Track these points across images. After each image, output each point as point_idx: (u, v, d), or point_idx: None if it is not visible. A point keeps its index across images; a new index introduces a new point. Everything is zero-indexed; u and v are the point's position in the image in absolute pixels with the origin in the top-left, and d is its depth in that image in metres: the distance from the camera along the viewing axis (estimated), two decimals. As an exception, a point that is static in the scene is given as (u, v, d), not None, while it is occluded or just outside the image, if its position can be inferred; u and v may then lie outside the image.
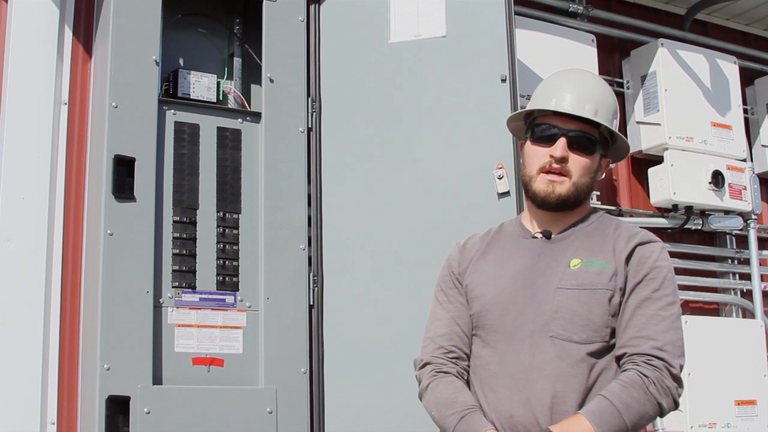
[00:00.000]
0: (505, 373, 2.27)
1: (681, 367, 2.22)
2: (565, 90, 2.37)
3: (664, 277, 2.30)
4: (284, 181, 3.64)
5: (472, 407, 2.27)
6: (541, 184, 2.34)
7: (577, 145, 2.33)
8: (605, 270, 2.28)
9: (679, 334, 2.25)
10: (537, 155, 2.36)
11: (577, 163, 2.33)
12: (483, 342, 2.35)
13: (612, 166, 4.71)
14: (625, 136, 4.97)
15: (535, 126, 2.39)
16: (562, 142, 2.32)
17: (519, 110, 2.49)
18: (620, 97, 5.04)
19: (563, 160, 2.32)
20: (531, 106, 2.44)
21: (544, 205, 2.35)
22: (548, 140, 2.34)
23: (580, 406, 2.19)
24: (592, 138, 2.35)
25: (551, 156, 2.32)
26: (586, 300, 2.25)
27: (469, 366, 2.38)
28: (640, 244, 2.33)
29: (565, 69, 2.53)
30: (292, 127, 3.71)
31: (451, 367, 2.37)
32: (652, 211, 4.98)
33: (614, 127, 2.39)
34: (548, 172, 2.34)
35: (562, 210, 2.37)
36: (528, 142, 2.41)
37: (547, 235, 2.39)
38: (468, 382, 2.37)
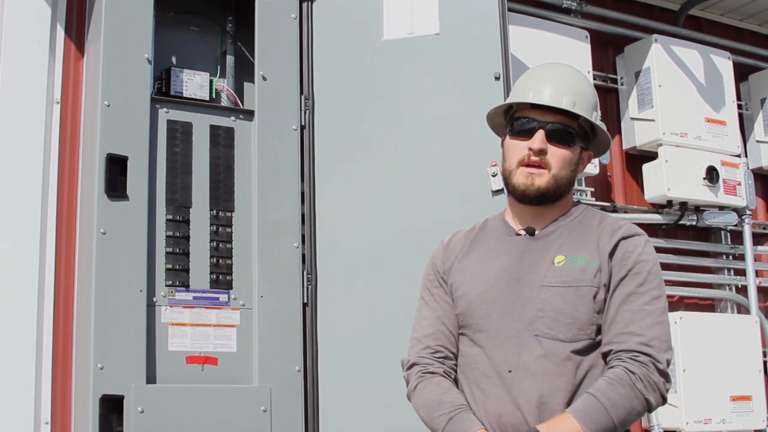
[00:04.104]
0: (492, 373, 2.26)
1: (668, 362, 2.21)
2: (543, 83, 2.36)
3: (649, 271, 2.28)
4: (277, 178, 3.63)
5: (460, 407, 2.26)
6: (521, 177, 2.33)
7: (556, 137, 2.33)
8: (589, 266, 2.27)
9: (665, 329, 2.24)
10: (516, 149, 2.35)
11: (556, 155, 2.32)
12: (470, 341, 2.34)
13: (605, 161, 4.73)
14: (619, 131, 4.98)
15: (514, 120, 2.39)
16: (540, 134, 2.31)
17: (498, 105, 2.48)
18: (614, 93, 5.05)
19: (542, 152, 2.31)
20: (509, 100, 2.44)
21: (524, 198, 2.35)
22: (527, 134, 2.34)
23: (568, 404, 2.19)
24: (571, 130, 2.34)
25: (530, 149, 2.31)
26: (571, 297, 2.25)
27: (456, 365, 2.38)
28: (624, 238, 2.31)
29: (543, 63, 2.52)
30: (285, 124, 3.70)
31: (438, 366, 2.36)
32: (646, 207, 4.98)
33: (594, 119, 2.38)
34: (527, 165, 2.33)
35: (543, 203, 2.36)
36: (507, 137, 2.40)
37: (530, 232, 2.38)
38: (456, 381, 2.36)
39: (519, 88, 2.43)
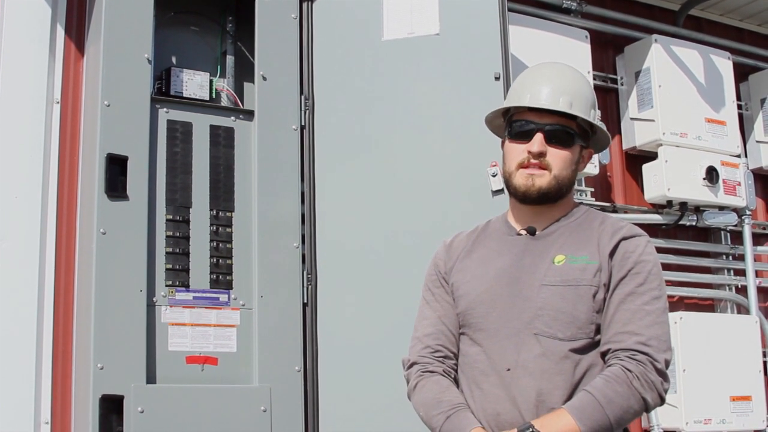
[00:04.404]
0: (491, 371, 2.27)
1: (667, 362, 2.21)
2: (539, 84, 2.36)
3: (649, 272, 2.28)
4: (277, 178, 3.63)
5: (458, 406, 2.27)
6: (521, 179, 2.33)
7: (555, 138, 2.32)
8: (589, 266, 2.27)
9: (664, 329, 2.24)
10: (515, 152, 2.35)
11: (556, 156, 2.32)
12: (470, 340, 2.34)
13: (605, 161, 4.72)
14: (619, 132, 4.98)
15: (512, 123, 2.39)
16: (538, 137, 2.31)
17: (496, 108, 2.48)
18: (614, 93, 5.05)
19: (541, 155, 2.31)
20: (506, 103, 2.44)
21: (526, 199, 2.35)
22: (525, 136, 2.33)
23: (566, 402, 2.18)
24: (569, 131, 2.34)
25: (529, 152, 2.31)
26: (570, 296, 2.25)
27: (456, 365, 2.38)
28: (624, 238, 2.31)
29: (539, 63, 2.51)
30: (285, 124, 3.70)
31: (438, 366, 2.36)
32: (646, 207, 4.98)
33: (591, 117, 2.38)
34: (527, 166, 2.33)
35: (544, 203, 2.36)
36: (507, 140, 2.40)
37: (531, 232, 2.38)
38: (456, 381, 2.37)
39: (516, 90, 2.42)
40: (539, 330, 2.24)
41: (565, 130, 2.34)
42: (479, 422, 2.24)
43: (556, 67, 2.45)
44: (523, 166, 2.33)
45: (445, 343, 2.39)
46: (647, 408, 2.20)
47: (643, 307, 2.23)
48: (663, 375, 2.20)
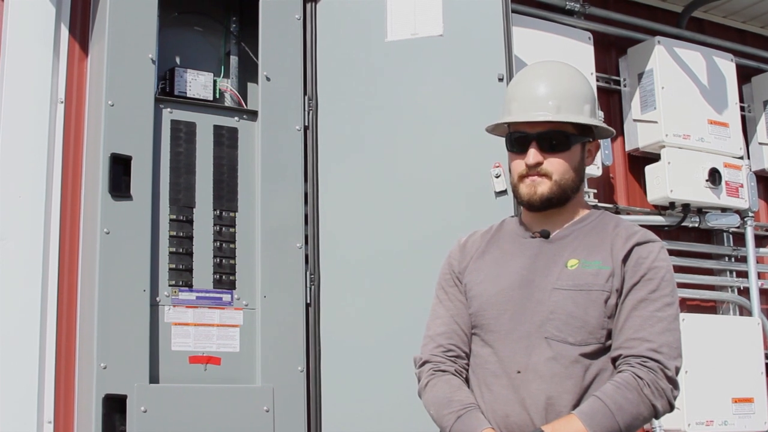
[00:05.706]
0: (501, 373, 2.26)
1: (677, 369, 2.20)
2: (525, 91, 2.33)
3: (662, 278, 2.28)
4: (281, 179, 3.64)
5: (468, 406, 2.26)
6: (524, 188, 2.33)
7: (550, 144, 2.30)
8: (602, 271, 2.27)
9: (676, 336, 2.24)
10: (515, 164, 2.34)
11: (554, 162, 2.30)
12: (482, 341, 2.34)
13: (608, 163, 4.70)
14: (622, 133, 4.98)
15: (510, 132, 2.37)
16: (533, 148, 2.30)
17: (490, 124, 2.45)
18: (617, 94, 5.04)
19: (538, 165, 2.30)
20: (499, 118, 2.41)
21: (531, 207, 2.35)
22: (521, 147, 2.32)
23: (575, 407, 2.18)
24: (564, 133, 2.31)
25: (526, 164, 2.30)
26: (582, 301, 2.24)
27: (468, 364, 2.38)
28: (638, 244, 2.30)
29: (529, 65, 2.48)
30: (288, 125, 3.71)
31: (450, 365, 2.36)
32: (649, 208, 4.98)
33: (585, 113, 2.34)
34: (528, 176, 2.32)
35: (549, 209, 2.35)
36: (508, 152, 2.38)
37: (545, 235, 2.37)
38: (467, 380, 2.36)
39: (505, 100, 2.40)
40: (550, 334, 2.23)
41: (561, 133, 2.31)
42: (489, 423, 2.24)
43: (543, 68, 2.41)
44: (523, 176, 2.33)
45: (458, 342, 2.38)
46: (657, 415, 2.19)
47: (655, 313, 2.23)
48: (673, 382, 2.19)
